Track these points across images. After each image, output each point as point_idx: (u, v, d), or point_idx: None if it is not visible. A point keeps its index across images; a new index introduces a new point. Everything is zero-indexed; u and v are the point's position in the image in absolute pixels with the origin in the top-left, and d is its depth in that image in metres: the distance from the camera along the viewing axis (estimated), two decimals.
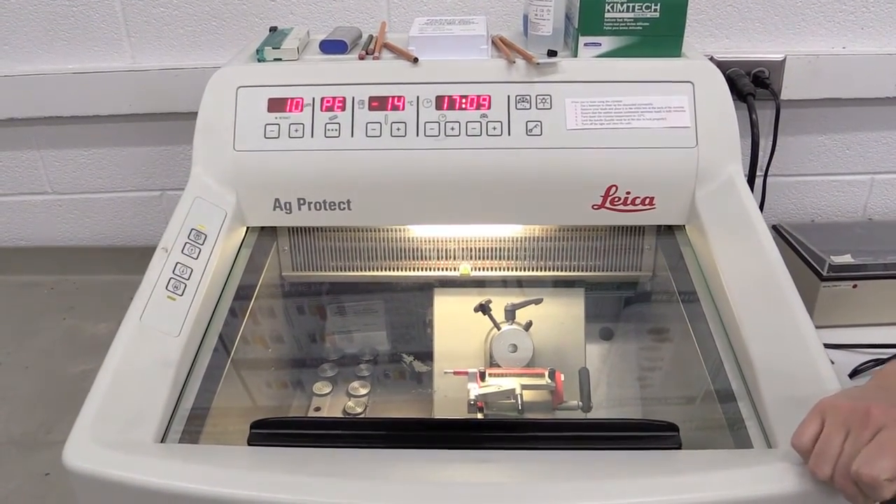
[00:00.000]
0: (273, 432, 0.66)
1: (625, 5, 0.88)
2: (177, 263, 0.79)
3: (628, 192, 0.90)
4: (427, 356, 1.05)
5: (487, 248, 1.02)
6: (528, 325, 0.99)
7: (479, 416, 0.92)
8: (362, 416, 1.01)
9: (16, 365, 1.05)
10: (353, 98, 0.90)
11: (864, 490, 0.53)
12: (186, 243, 0.81)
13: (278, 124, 0.90)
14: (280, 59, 0.94)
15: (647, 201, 0.90)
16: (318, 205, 0.91)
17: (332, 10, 1.17)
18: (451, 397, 0.98)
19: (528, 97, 0.90)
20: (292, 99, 0.90)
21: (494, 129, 0.89)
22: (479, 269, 1.03)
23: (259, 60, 0.94)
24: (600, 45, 0.91)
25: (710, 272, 0.84)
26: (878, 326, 1.03)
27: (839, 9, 1.15)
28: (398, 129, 0.89)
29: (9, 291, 1.22)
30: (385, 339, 1.12)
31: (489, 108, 0.89)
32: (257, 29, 1.17)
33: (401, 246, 1.02)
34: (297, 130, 0.89)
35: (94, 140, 1.26)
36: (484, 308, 0.99)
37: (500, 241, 1.01)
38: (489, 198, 0.90)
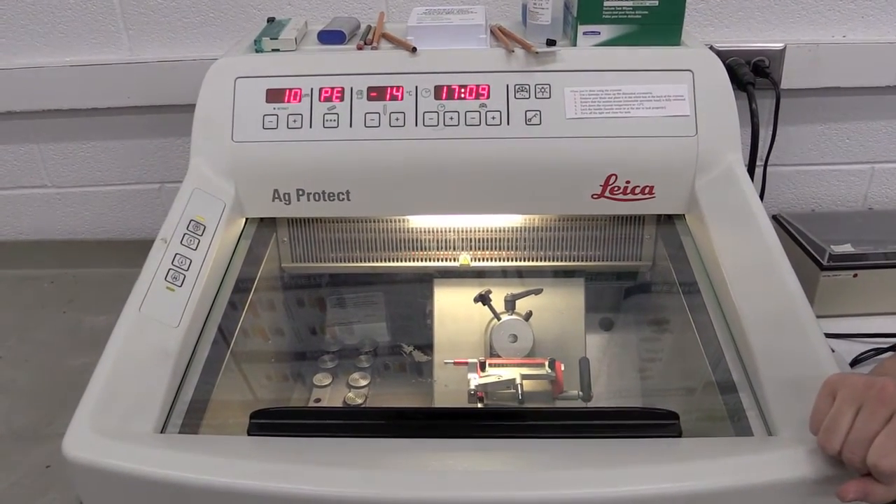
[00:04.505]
0: (272, 422, 0.66)
1: None
2: (176, 254, 0.79)
3: (628, 182, 0.90)
4: (427, 347, 1.05)
5: (487, 239, 1.02)
6: (528, 316, 0.99)
7: (480, 405, 0.92)
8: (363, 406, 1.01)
9: (16, 358, 1.05)
10: (352, 88, 0.90)
11: (879, 479, 0.52)
12: (185, 234, 0.81)
13: (276, 115, 0.89)
14: (278, 50, 0.94)
15: (646, 190, 0.90)
16: (316, 195, 0.91)
17: (330, 0, 1.16)
18: (451, 388, 0.98)
19: (527, 86, 0.89)
20: (290, 89, 0.90)
21: (493, 118, 0.89)
22: (479, 260, 1.03)
23: (257, 51, 0.94)
24: (599, 33, 0.91)
25: (710, 261, 0.84)
26: (878, 316, 1.03)
27: None
28: (397, 119, 0.89)
29: (8, 285, 1.22)
30: (385, 330, 1.12)
31: (488, 97, 0.89)
32: (255, 20, 1.17)
33: (400, 237, 1.02)
34: (295, 121, 0.89)
35: (92, 133, 1.26)
36: (484, 298, 0.99)
37: (500, 231, 1.01)
38: (488, 188, 0.90)
